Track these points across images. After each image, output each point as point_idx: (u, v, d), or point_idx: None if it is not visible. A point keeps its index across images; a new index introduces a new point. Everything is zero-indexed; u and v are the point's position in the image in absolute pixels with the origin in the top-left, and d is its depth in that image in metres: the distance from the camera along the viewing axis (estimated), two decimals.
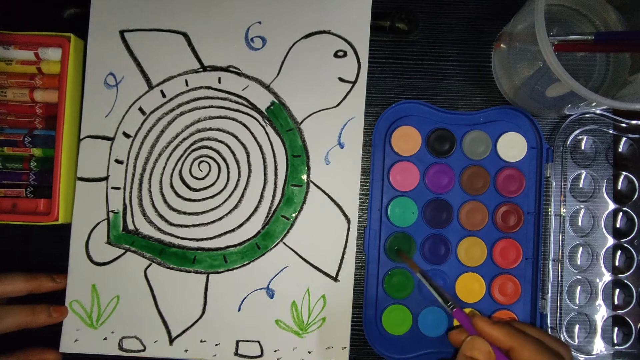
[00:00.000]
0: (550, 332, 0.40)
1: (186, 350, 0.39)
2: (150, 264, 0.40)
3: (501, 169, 0.41)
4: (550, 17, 0.38)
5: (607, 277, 0.40)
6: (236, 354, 0.39)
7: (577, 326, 0.40)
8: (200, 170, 0.40)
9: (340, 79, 0.40)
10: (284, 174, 0.40)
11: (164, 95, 0.40)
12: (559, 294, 0.40)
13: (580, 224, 0.41)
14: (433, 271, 0.40)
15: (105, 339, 0.39)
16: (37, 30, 0.39)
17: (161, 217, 0.40)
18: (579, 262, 0.41)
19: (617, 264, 0.41)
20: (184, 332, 0.39)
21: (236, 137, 0.40)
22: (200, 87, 0.40)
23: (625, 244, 0.41)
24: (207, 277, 0.40)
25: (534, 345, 0.33)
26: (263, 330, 0.39)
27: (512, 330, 0.34)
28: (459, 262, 0.40)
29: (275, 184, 0.40)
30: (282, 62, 0.40)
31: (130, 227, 0.40)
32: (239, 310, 0.39)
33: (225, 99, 0.40)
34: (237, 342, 0.39)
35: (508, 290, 0.40)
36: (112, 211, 0.40)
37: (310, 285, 0.39)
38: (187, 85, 0.40)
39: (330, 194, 0.40)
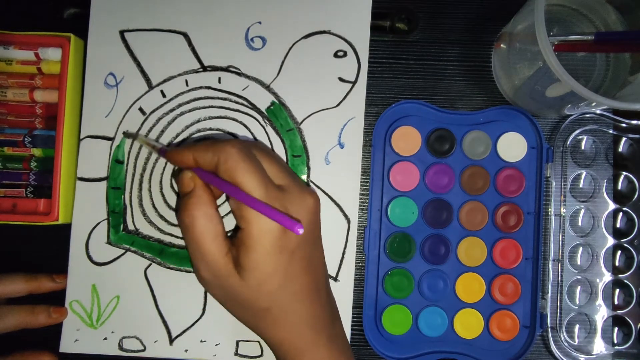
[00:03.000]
0: (550, 332, 0.40)
1: (186, 350, 0.39)
2: (150, 264, 0.40)
3: (501, 169, 0.41)
4: (550, 17, 0.38)
5: (607, 277, 0.40)
6: (236, 354, 0.39)
7: (577, 326, 0.40)
8: None
9: (340, 79, 0.40)
10: None
11: (164, 95, 0.40)
12: (559, 294, 0.40)
13: (580, 224, 0.41)
14: (433, 271, 0.40)
15: (106, 339, 0.39)
16: (37, 31, 0.39)
17: (161, 217, 0.40)
18: (579, 262, 0.41)
19: (617, 264, 0.41)
20: (184, 332, 0.39)
21: (236, 137, 0.40)
22: (200, 87, 0.40)
23: (625, 244, 0.41)
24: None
25: (239, 151, 0.32)
26: None
27: (210, 144, 0.33)
28: (459, 262, 0.40)
29: None
30: (282, 62, 0.40)
31: (130, 227, 0.40)
32: None
33: (225, 99, 0.40)
34: (237, 342, 0.39)
35: (508, 290, 0.40)
36: (112, 211, 0.40)
37: None
38: (187, 85, 0.40)
39: (330, 194, 0.40)
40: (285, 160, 0.40)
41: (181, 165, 0.35)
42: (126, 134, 0.40)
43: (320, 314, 0.34)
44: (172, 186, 0.40)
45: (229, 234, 0.37)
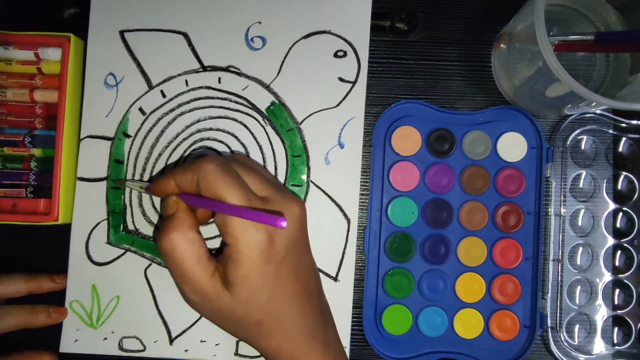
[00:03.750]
0: (550, 332, 0.40)
1: (186, 350, 0.39)
2: (150, 264, 0.40)
3: (501, 169, 0.41)
4: (550, 17, 0.38)
5: (607, 277, 0.40)
6: (236, 353, 0.39)
7: (577, 326, 0.40)
8: None
9: (340, 79, 0.40)
10: (284, 174, 0.40)
11: (164, 95, 0.40)
12: (559, 294, 0.40)
13: (580, 224, 0.41)
14: (433, 271, 0.40)
15: (105, 339, 0.39)
16: (37, 31, 0.39)
17: (161, 217, 0.40)
18: (579, 262, 0.41)
19: (617, 264, 0.41)
20: (184, 332, 0.39)
21: (236, 137, 0.40)
22: (200, 87, 0.40)
23: (625, 244, 0.41)
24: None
25: (216, 166, 0.31)
26: None
27: (188, 165, 0.32)
28: (459, 262, 0.40)
29: None
30: (282, 62, 0.40)
31: (130, 227, 0.40)
32: None
33: (225, 99, 0.40)
34: (237, 342, 0.39)
35: (508, 290, 0.40)
36: (112, 211, 0.40)
37: None
38: (187, 85, 0.40)
39: (330, 194, 0.40)
40: (285, 160, 0.40)
41: (165, 194, 0.34)
42: (115, 181, 0.40)
43: (312, 321, 0.34)
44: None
45: (213, 252, 0.36)
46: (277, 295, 0.32)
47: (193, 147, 0.40)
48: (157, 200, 0.40)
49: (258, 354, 0.38)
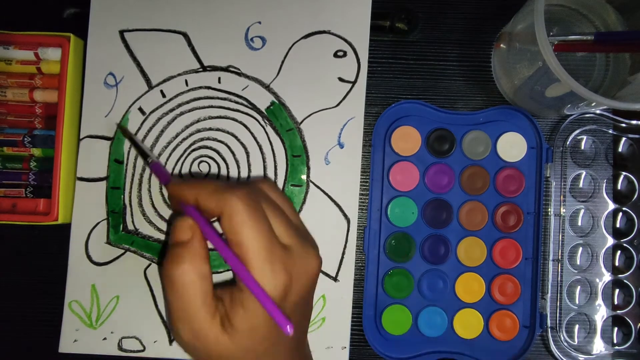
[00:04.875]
0: (550, 332, 0.40)
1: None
2: (149, 264, 0.40)
3: (501, 169, 0.41)
4: (550, 17, 0.38)
5: (607, 277, 0.40)
6: None
7: (577, 326, 0.40)
8: (200, 170, 0.40)
9: (340, 79, 0.40)
10: (284, 174, 0.40)
11: (163, 95, 0.40)
12: (558, 294, 0.40)
13: (580, 224, 0.41)
14: (433, 271, 0.40)
15: (105, 339, 0.39)
16: (37, 30, 0.39)
17: (161, 217, 0.40)
18: (578, 262, 0.41)
19: (616, 264, 0.41)
20: None
21: (236, 137, 0.40)
22: (200, 87, 0.40)
23: (625, 244, 0.41)
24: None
25: (246, 207, 0.28)
26: None
27: (216, 190, 0.29)
28: (458, 262, 0.40)
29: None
30: (282, 62, 0.40)
31: (130, 227, 0.40)
32: None
33: (225, 99, 0.40)
34: None
35: (508, 290, 0.40)
36: (111, 211, 0.40)
37: None
38: (186, 85, 0.40)
39: (330, 194, 0.40)
40: (285, 160, 0.40)
41: (180, 201, 0.31)
42: (122, 130, 0.39)
43: None
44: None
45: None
46: (274, 349, 0.31)
47: (193, 147, 0.40)
48: (156, 201, 0.40)
49: None
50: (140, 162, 0.40)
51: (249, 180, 0.40)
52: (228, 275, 0.40)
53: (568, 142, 0.41)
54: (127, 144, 0.40)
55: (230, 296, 0.30)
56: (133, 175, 0.40)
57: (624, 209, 0.41)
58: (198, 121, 0.40)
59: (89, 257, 0.40)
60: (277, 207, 0.32)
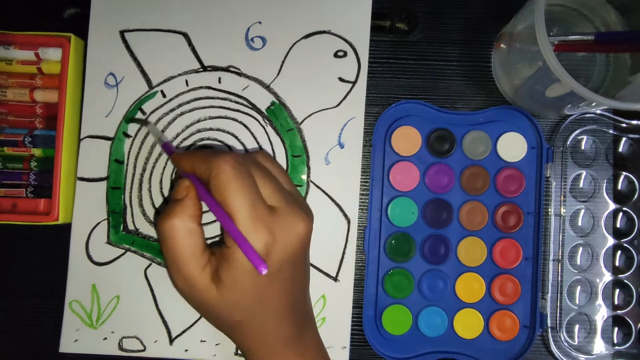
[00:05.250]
0: (550, 332, 0.40)
1: (186, 350, 0.39)
2: (150, 264, 0.40)
3: (501, 169, 0.41)
4: (551, 17, 0.38)
5: (607, 277, 0.40)
6: (236, 353, 0.39)
7: (577, 326, 0.40)
8: None
9: (341, 79, 0.40)
10: None
11: (164, 95, 0.40)
12: (559, 294, 0.40)
13: (580, 224, 0.41)
14: (433, 271, 0.40)
15: (105, 339, 0.39)
16: (38, 30, 0.39)
17: (166, 199, 0.40)
18: (579, 262, 0.41)
19: (617, 264, 0.41)
20: (184, 332, 0.39)
21: (236, 137, 0.40)
22: (201, 87, 0.40)
23: (625, 244, 0.41)
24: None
25: (232, 168, 0.31)
26: None
27: (207, 156, 0.32)
28: (459, 262, 0.40)
29: None
30: (282, 62, 0.40)
31: (131, 227, 0.40)
32: None
33: (225, 99, 0.40)
34: None
35: (508, 290, 0.40)
36: (112, 211, 0.40)
37: (310, 285, 0.39)
38: (187, 85, 0.40)
39: (330, 194, 0.40)
40: (285, 160, 0.40)
41: (180, 169, 0.34)
42: (135, 120, 0.39)
43: (290, 330, 0.34)
44: (172, 186, 0.40)
45: (215, 238, 0.36)
46: (262, 304, 0.33)
47: (193, 147, 0.40)
48: (157, 201, 0.40)
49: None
50: (140, 162, 0.40)
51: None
52: None
53: (568, 142, 0.41)
54: (127, 144, 0.40)
55: (220, 252, 0.32)
56: (133, 175, 0.40)
57: (624, 209, 0.41)
58: (198, 121, 0.40)
59: (89, 257, 0.40)
60: (267, 172, 0.34)
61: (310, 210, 0.37)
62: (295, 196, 0.36)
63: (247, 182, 0.31)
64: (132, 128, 0.40)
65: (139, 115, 0.40)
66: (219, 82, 0.40)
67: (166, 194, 0.40)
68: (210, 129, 0.40)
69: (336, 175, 0.40)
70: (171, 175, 0.40)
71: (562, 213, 0.41)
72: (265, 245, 0.31)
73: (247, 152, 0.36)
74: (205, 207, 0.34)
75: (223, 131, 0.40)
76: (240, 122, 0.40)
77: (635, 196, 0.41)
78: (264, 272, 0.29)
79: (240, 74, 0.40)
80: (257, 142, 0.40)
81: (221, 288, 0.32)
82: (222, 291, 0.32)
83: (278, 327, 0.34)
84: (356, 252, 0.40)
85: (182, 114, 0.40)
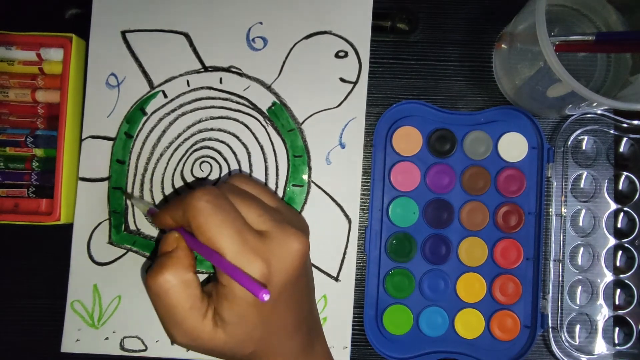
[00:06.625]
0: (551, 332, 0.40)
1: (187, 350, 0.39)
2: (151, 264, 0.40)
3: (502, 169, 0.41)
4: (551, 17, 0.38)
5: (608, 277, 0.40)
6: None
7: (578, 326, 0.40)
8: (202, 171, 0.40)
9: (342, 80, 0.40)
10: (285, 174, 0.40)
11: (165, 96, 0.41)
12: (559, 294, 0.40)
13: (581, 224, 0.41)
14: (434, 271, 0.40)
15: (107, 338, 0.39)
16: (39, 31, 0.39)
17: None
18: (579, 262, 0.41)
19: (618, 264, 0.41)
20: None
21: (237, 138, 0.40)
22: (202, 88, 0.41)
23: (626, 244, 0.41)
24: (208, 277, 0.40)
25: (206, 203, 0.29)
26: None
27: (179, 201, 0.30)
28: (459, 262, 0.40)
29: (276, 184, 0.40)
30: (283, 63, 0.41)
31: (132, 227, 0.40)
32: None
33: (226, 99, 0.41)
34: None
35: (509, 291, 0.40)
36: (113, 211, 0.40)
37: None
38: (188, 85, 0.41)
39: (331, 194, 0.40)
40: (286, 160, 0.40)
41: (163, 226, 0.33)
42: (124, 193, 0.40)
43: (299, 345, 0.34)
44: (173, 186, 0.40)
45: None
46: (271, 330, 0.32)
47: (194, 147, 0.40)
48: (158, 201, 0.40)
49: None
50: (142, 162, 0.40)
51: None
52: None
53: (569, 142, 0.41)
54: (129, 144, 0.40)
55: (216, 291, 0.31)
56: (135, 175, 0.40)
57: (625, 209, 0.41)
58: (200, 121, 0.40)
59: (91, 257, 0.40)
60: (248, 196, 0.32)
61: (304, 222, 0.36)
62: (284, 212, 0.34)
63: (228, 214, 0.29)
64: (134, 129, 0.40)
65: (140, 115, 0.40)
66: (220, 82, 0.41)
67: (168, 194, 0.40)
68: (212, 129, 0.40)
69: (337, 176, 0.40)
70: (172, 175, 0.40)
71: (563, 213, 0.41)
72: (261, 274, 0.29)
73: (222, 181, 0.34)
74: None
75: (224, 131, 0.40)
76: (242, 123, 0.40)
77: (636, 196, 0.41)
78: (266, 298, 0.27)
79: (241, 74, 0.41)
80: (259, 143, 0.40)
81: (227, 328, 0.30)
82: (230, 331, 0.30)
83: (288, 346, 0.33)
84: (357, 252, 0.40)
85: (183, 114, 0.40)
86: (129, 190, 0.40)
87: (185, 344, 0.31)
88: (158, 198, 0.40)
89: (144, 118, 0.40)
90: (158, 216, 0.33)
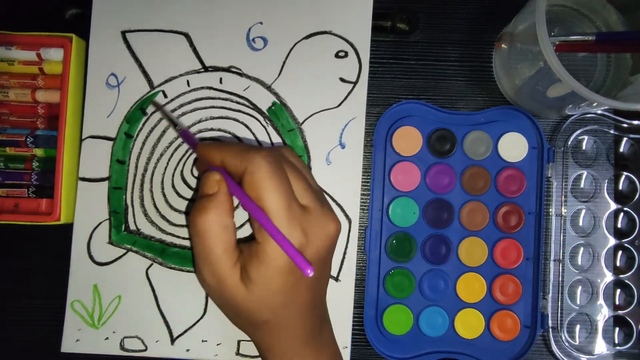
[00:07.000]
0: (551, 332, 0.40)
1: (188, 350, 0.39)
2: (151, 264, 0.40)
3: (502, 169, 0.41)
4: (551, 17, 0.38)
5: (608, 277, 0.40)
6: (238, 353, 0.39)
7: (578, 326, 0.40)
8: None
9: (342, 80, 0.40)
10: None
11: (165, 96, 0.41)
12: (560, 294, 0.40)
13: (581, 224, 0.41)
14: (434, 271, 0.40)
15: (107, 338, 0.39)
16: (39, 31, 0.39)
17: (162, 217, 0.40)
18: (579, 262, 0.41)
19: (618, 264, 0.41)
20: (185, 331, 0.39)
21: (238, 138, 0.40)
22: (202, 88, 0.41)
23: (626, 244, 0.41)
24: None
25: (268, 164, 0.30)
26: None
27: (241, 150, 0.32)
28: (459, 262, 0.40)
29: None
30: (284, 63, 0.41)
31: (132, 227, 0.40)
32: None
33: (226, 99, 0.41)
34: (239, 342, 0.39)
35: (509, 291, 0.40)
36: (113, 211, 0.40)
37: None
38: (188, 85, 0.41)
39: (332, 194, 0.40)
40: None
41: (207, 161, 0.34)
42: (153, 103, 0.39)
43: (311, 327, 0.34)
44: (173, 186, 0.40)
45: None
46: (290, 303, 0.32)
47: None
48: (158, 201, 0.40)
49: (259, 354, 0.38)
50: (142, 162, 0.40)
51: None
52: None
53: (569, 142, 0.41)
54: (129, 144, 0.40)
55: (249, 249, 0.32)
56: (135, 175, 0.40)
57: (625, 209, 0.41)
58: (200, 121, 0.40)
59: (91, 257, 0.40)
60: (297, 170, 0.33)
61: (333, 210, 0.36)
62: (321, 195, 0.36)
63: (283, 180, 0.31)
64: (134, 128, 0.40)
65: (140, 115, 0.40)
66: (220, 82, 0.41)
67: (167, 194, 0.40)
68: (212, 129, 0.40)
69: (337, 176, 0.40)
70: (172, 175, 0.40)
71: (563, 213, 0.41)
72: (299, 245, 0.31)
73: (276, 147, 0.35)
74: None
75: (224, 131, 0.40)
76: (242, 123, 0.40)
77: (636, 196, 0.41)
78: (311, 274, 0.29)
79: (241, 75, 0.41)
80: (259, 143, 0.40)
81: (250, 286, 0.31)
82: (251, 290, 0.31)
83: (300, 324, 0.34)
84: (357, 252, 0.40)
85: (183, 114, 0.40)
86: (129, 190, 0.40)
87: (210, 284, 0.33)
88: (158, 198, 0.40)
89: (144, 118, 0.40)
90: (207, 150, 0.33)
